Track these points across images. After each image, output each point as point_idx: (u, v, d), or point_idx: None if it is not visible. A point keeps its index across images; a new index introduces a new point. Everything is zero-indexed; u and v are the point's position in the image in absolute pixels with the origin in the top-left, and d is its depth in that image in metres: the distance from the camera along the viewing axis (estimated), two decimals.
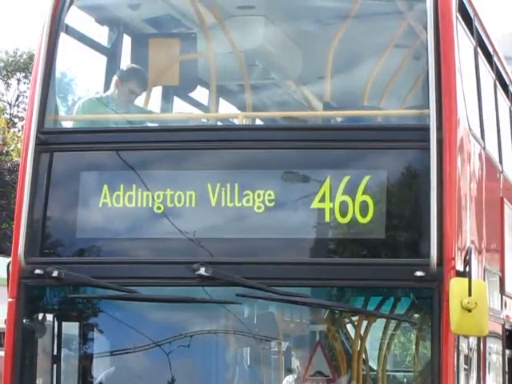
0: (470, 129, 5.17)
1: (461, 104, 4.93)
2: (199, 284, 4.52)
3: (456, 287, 4.39)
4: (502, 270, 6.29)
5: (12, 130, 27.66)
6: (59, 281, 4.62)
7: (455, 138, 4.85)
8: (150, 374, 4.96)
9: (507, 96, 7.66)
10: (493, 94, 6.64)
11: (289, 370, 5.22)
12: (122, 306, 4.80)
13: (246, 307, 4.95)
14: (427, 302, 4.69)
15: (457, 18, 5.05)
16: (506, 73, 7.68)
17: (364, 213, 4.64)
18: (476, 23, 5.70)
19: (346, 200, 4.63)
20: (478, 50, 5.84)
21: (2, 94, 29.81)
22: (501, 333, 6.22)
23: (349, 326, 5.04)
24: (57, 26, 4.97)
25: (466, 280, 4.39)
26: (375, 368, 5.06)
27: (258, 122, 5.91)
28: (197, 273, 4.44)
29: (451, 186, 4.71)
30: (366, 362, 5.01)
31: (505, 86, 7.48)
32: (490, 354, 5.68)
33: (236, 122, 5.73)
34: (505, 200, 6.70)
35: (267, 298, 4.69)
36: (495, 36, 7.35)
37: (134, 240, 4.82)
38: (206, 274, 4.45)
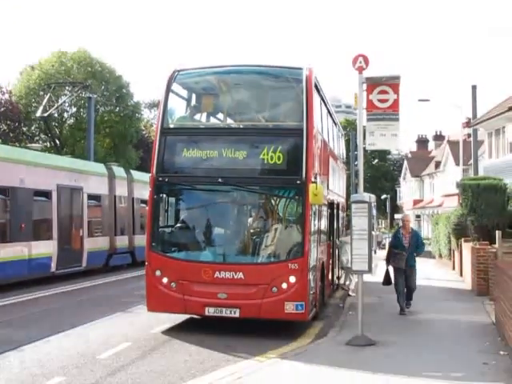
0: (317, 129, 12.92)
1: (315, 119, 12.38)
2: (224, 183, 11.79)
3: (311, 186, 11.09)
4: (327, 181, 14.42)
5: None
6: (166, 182, 12.04)
7: (312, 132, 11.69)
8: (215, 216, 12.16)
9: (330, 117, 15.99)
10: (326, 116, 14.87)
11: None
12: (196, 192, 12.26)
13: (237, 192, 12.04)
14: (302, 191, 11.23)
15: (315, 86, 12.73)
16: (330, 109, 16.03)
17: (279, 159, 11.75)
18: (320, 90, 13.48)
19: (272, 154, 11.87)
20: (321, 101, 13.85)
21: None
22: (327, 203, 14.31)
23: (272, 201, 12.61)
24: (168, 88, 12.33)
25: (315, 184, 11.29)
26: (281, 218, 12.61)
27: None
28: (219, 180, 11.97)
29: (310, 150, 11.48)
30: (280, 218, 12.08)
31: (330, 114, 15.85)
32: (322, 211, 13.70)
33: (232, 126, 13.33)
34: (329, 157, 14.88)
35: (239, 189, 12.12)
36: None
37: (204, 169, 11.84)
38: (223, 182, 11.94)
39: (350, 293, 17.54)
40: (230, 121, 13.66)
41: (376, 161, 75.32)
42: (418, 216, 66.48)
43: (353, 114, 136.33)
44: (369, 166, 68.01)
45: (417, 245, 14.27)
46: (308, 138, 11.64)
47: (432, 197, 62.51)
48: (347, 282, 18.20)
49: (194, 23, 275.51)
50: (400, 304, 14.03)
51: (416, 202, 66.74)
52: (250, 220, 12.35)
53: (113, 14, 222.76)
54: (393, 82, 11.25)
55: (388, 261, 14.38)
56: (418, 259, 16.20)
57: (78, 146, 42.05)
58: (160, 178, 11.92)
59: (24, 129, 42.88)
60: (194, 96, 13.68)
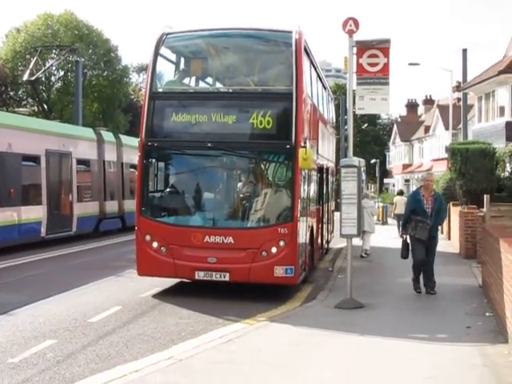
0: (307, 93, 12.83)
1: (305, 83, 12.32)
2: (214, 148, 11.66)
3: (301, 151, 11.10)
4: (317, 146, 14.43)
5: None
6: (156, 147, 11.98)
7: (301, 96, 11.46)
8: (205, 178, 12.20)
9: (320, 81, 15.86)
10: (315, 81, 14.76)
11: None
12: (185, 157, 12.20)
13: (227, 157, 12.04)
14: (291, 156, 11.19)
15: (305, 49, 12.65)
16: (320, 73, 15.89)
17: (268, 124, 11.54)
18: (310, 53, 13.40)
19: (261, 119, 11.75)
20: (311, 65, 13.74)
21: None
22: (316, 168, 14.30)
23: (262, 166, 12.58)
24: (157, 51, 12.13)
25: (305, 149, 11.22)
26: (270, 183, 12.54)
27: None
28: (209, 145, 11.90)
29: (299, 115, 11.30)
30: (270, 182, 12.15)
31: (320, 78, 15.71)
32: (312, 176, 13.72)
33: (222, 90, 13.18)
34: (319, 121, 14.93)
35: (228, 154, 12.00)
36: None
37: (194, 134, 11.74)
38: (213, 146, 11.89)
39: (363, 254, 18.10)
40: (219, 85, 13.55)
41: (366, 125, 75.20)
42: (407, 180, 66.76)
43: (343, 78, 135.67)
44: (358, 131, 67.92)
45: (439, 210, 11.93)
46: (297, 102, 11.57)
47: (421, 161, 62.69)
48: (364, 247, 18.43)
49: None
50: (414, 283, 12.02)
51: (405, 167, 66.95)
52: (239, 185, 12.35)
53: None
54: (383, 46, 11.19)
55: (405, 228, 12.07)
56: None
57: (66, 111, 41.71)
58: (149, 143, 11.87)
59: (11, 93, 42.47)
60: (182, 60, 13.57)
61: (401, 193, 31.86)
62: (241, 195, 12.13)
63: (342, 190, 10.81)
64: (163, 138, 12.07)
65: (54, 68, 42.44)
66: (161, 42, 12.24)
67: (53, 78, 44.78)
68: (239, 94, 12.39)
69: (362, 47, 11.14)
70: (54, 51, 39.45)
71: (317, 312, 10.32)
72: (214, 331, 9.06)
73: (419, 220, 11.60)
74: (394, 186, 68.06)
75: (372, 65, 11.15)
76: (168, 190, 12.32)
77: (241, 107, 11.99)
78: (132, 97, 50.71)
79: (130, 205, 27.18)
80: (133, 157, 27.94)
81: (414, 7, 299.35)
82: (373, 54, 11.16)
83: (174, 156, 12.36)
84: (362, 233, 18.20)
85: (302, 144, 11.48)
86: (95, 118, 42.74)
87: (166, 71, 13.03)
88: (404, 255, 12.14)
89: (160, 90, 12.37)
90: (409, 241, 11.97)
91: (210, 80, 13.75)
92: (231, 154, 12.05)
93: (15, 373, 7.10)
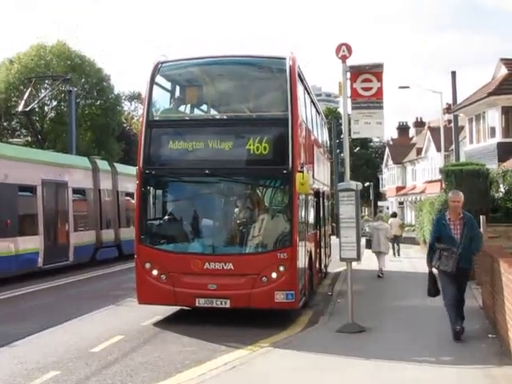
0: (302, 118, 12.96)
1: (300, 109, 12.39)
2: (212, 175, 11.73)
3: (298, 176, 10.99)
4: (313, 171, 14.54)
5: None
6: (153, 175, 12.03)
7: (297, 121, 11.57)
8: (203, 205, 12.29)
9: (314, 106, 16.01)
10: (309, 106, 14.91)
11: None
12: (183, 184, 12.27)
13: (224, 183, 12.10)
14: (289, 181, 11.24)
15: (299, 75, 12.81)
16: (313, 97, 16.04)
17: (265, 150, 11.63)
18: (303, 79, 13.55)
19: (258, 145, 11.80)
20: (305, 90, 13.89)
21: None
22: (313, 192, 14.38)
23: (260, 191, 12.67)
24: (152, 80, 12.26)
25: (302, 173, 11.06)
26: (268, 208, 12.69)
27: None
28: (206, 172, 11.96)
29: (296, 140, 11.38)
30: (268, 208, 12.24)
31: (313, 103, 15.86)
32: (309, 200, 13.80)
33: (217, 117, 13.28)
34: (314, 145, 14.96)
35: (226, 180, 12.11)
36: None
37: (191, 161, 11.82)
38: (210, 173, 11.94)
39: (380, 274, 18.95)
40: (214, 112, 13.68)
41: (358, 148, 75.66)
42: (400, 203, 66.95)
43: (333, 102, 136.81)
44: (351, 154, 67.86)
45: (471, 236, 9.70)
46: (293, 127, 11.67)
47: (414, 183, 62.94)
48: (380, 266, 19.29)
49: (174, 9, 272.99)
50: (452, 324, 9.66)
51: (399, 189, 67.17)
52: (237, 211, 12.41)
53: (88, 5, 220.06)
54: (376, 70, 11.36)
55: (430, 260, 9.92)
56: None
57: (59, 140, 41.79)
58: (147, 171, 11.93)
59: (5, 123, 42.56)
60: (177, 87, 13.69)
61: (394, 215, 32.10)
62: (239, 221, 12.17)
63: (341, 214, 10.88)
64: (161, 165, 12.15)
65: (47, 98, 42.60)
66: (156, 71, 12.36)
67: (46, 108, 44.90)
68: (235, 121, 12.51)
69: (356, 72, 11.30)
70: (46, 81, 39.64)
71: (319, 337, 10.32)
72: (218, 358, 9.06)
73: (443, 248, 9.59)
74: (387, 208, 68.23)
75: (366, 89, 11.30)
76: (167, 217, 12.35)
77: (237, 133, 12.07)
78: (125, 125, 50.88)
79: (126, 233, 27.24)
80: (128, 185, 28.11)
81: (402, 28, 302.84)
82: (366, 78, 11.32)
83: (172, 183, 12.44)
84: (377, 253, 19.28)
85: (299, 169, 11.53)
86: (89, 146, 42.82)
87: (162, 99, 13.13)
88: (431, 292, 10.06)
89: (156, 118, 12.45)
90: (436, 274, 9.90)
91: (205, 107, 13.88)
92: (229, 180, 12.15)
93: None
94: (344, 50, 11.14)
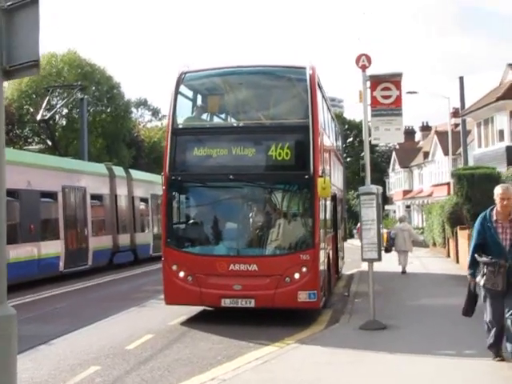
0: (321, 125, 13.41)
1: (319, 116, 12.94)
2: (236, 180, 12.26)
3: (319, 180, 11.52)
4: (330, 176, 15.11)
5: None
6: (179, 180, 12.50)
7: (317, 127, 12.12)
8: (226, 211, 12.76)
9: (329, 112, 16.48)
10: (326, 112, 15.39)
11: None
12: (208, 189, 12.74)
13: (248, 188, 12.59)
14: (310, 185, 11.68)
15: (318, 85, 13.29)
16: (329, 104, 16.50)
17: (287, 156, 12.16)
18: (321, 87, 14.01)
19: (280, 151, 12.34)
20: (322, 97, 14.36)
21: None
22: (331, 196, 14.75)
23: (282, 196, 13.13)
24: (177, 89, 12.77)
25: (323, 178, 11.66)
26: (291, 212, 13.13)
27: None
28: (231, 177, 12.42)
29: (316, 146, 11.95)
30: (290, 211, 12.74)
31: (329, 110, 16.33)
32: (327, 204, 14.17)
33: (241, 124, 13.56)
34: (330, 151, 15.57)
35: (249, 185, 12.61)
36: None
37: (215, 167, 12.31)
38: (234, 178, 12.41)
39: (403, 271, 20.98)
40: (237, 119, 14.07)
41: (363, 153, 75.91)
42: (407, 206, 67.28)
43: (338, 107, 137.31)
44: (357, 159, 68.67)
45: None
46: (314, 133, 12.14)
47: (421, 187, 63.30)
48: (405, 267, 21.19)
49: (188, 19, 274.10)
50: (492, 347, 8.10)
51: (405, 193, 67.52)
52: (260, 214, 12.79)
53: (96, 12, 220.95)
54: (395, 79, 11.83)
55: (473, 273, 8.04)
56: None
57: (70, 147, 42.32)
58: (173, 177, 12.40)
59: (17, 131, 43.13)
60: (200, 96, 14.17)
61: (403, 219, 32.57)
62: (263, 224, 12.59)
63: (362, 217, 11.32)
64: (186, 171, 12.63)
65: (58, 106, 43.16)
66: (180, 80, 12.84)
67: (57, 116, 45.47)
68: (258, 128, 12.94)
69: (376, 81, 11.77)
70: (58, 90, 40.21)
71: (343, 334, 10.76)
72: (248, 354, 9.49)
73: (488, 263, 7.73)
74: (394, 212, 68.56)
75: (385, 97, 11.76)
76: (192, 221, 12.82)
77: (260, 140, 12.57)
78: (133, 132, 51.43)
79: (141, 238, 27.82)
80: (142, 190, 28.72)
81: (408, 32, 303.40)
82: (386, 87, 11.78)
83: (197, 188, 12.91)
84: (401, 252, 21.10)
85: (320, 174, 12.00)
86: (100, 153, 43.34)
87: (186, 107, 13.61)
88: (468, 312, 8.33)
89: (181, 126, 12.90)
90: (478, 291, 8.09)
91: (229, 115, 14.34)
92: (252, 185, 12.65)
93: None
94: (364, 60, 11.63)
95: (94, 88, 44.61)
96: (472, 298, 8.16)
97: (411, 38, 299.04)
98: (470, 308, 8.22)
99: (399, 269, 21.36)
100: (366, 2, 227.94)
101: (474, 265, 7.97)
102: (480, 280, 7.84)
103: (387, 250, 21.45)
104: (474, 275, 7.96)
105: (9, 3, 5.18)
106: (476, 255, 7.89)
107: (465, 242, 19.85)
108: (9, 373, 5.13)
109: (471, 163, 31.90)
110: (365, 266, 12.83)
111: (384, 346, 9.46)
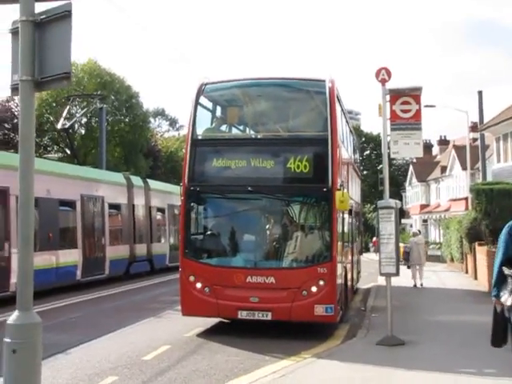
0: (340, 138, 13.45)
1: (338, 129, 13.05)
2: (254, 192, 12.24)
3: (337, 194, 11.63)
4: (348, 189, 15.08)
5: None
6: (198, 191, 12.55)
7: (336, 140, 12.34)
8: (244, 222, 12.78)
9: (347, 125, 16.46)
10: (345, 125, 15.40)
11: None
12: (226, 200, 12.76)
13: (266, 200, 12.58)
14: (328, 198, 11.75)
15: (337, 98, 13.32)
16: (347, 117, 16.50)
17: (305, 168, 12.33)
18: (341, 101, 14.05)
19: (298, 163, 12.43)
20: (342, 110, 14.38)
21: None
22: (348, 209, 14.91)
23: (300, 208, 13.17)
24: (197, 101, 12.86)
25: (341, 191, 11.78)
26: (308, 225, 13.14)
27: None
28: (249, 189, 12.46)
29: (335, 159, 12.11)
30: (308, 224, 12.80)
31: (347, 122, 16.33)
32: (344, 217, 14.21)
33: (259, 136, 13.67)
34: (348, 164, 15.45)
35: (268, 197, 12.62)
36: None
37: (234, 178, 12.33)
38: (253, 190, 12.45)
39: (418, 285, 21.46)
40: (256, 131, 14.11)
41: (380, 166, 75.75)
42: (424, 221, 66.92)
43: (355, 119, 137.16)
44: (374, 172, 68.52)
45: None
46: (333, 146, 12.17)
47: (438, 201, 62.95)
48: (421, 280, 21.65)
49: (207, 30, 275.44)
50: None
51: (423, 207, 67.18)
52: (278, 226, 12.83)
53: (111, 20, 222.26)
54: (415, 94, 11.81)
55: (497, 292, 6.78)
56: (427, 263, 17.65)
57: (88, 156, 42.62)
58: (192, 187, 12.44)
59: (37, 140, 43.49)
60: (221, 107, 14.24)
61: (417, 233, 32.51)
62: (280, 237, 12.60)
63: (380, 231, 11.28)
64: (205, 182, 12.65)
65: (77, 115, 43.52)
66: (200, 92, 12.92)
67: (76, 125, 45.83)
68: (277, 140, 12.98)
69: (395, 95, 11.75)
70: (77, 99, 40.54)
71: (360, 349, 10.69)
72: (265, 367, 9.47)
73: None
74: (411, 226, 68.16)
75: (405, 111, 11.74)
76: (210, 232, 12.85)
77: (278, 152, 12.57)
78: (151, 141, 51.68)
79: (158, 248, 27.88)
80: (160, 200, 28.80)
81: (427, 46, 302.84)
82: (405, 101, 11.78)
83: (216, 199, 12.90)
84: (416, 266, 21.42)
85: (338, 187, 12.00)
86: (118, 162, 43.58)
87: (206, 118, 13.68)
88: (496, 341, 6.96)
89: (200, 137, 12.98)
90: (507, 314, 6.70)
91: (248, 127, 14.39)
92: (270, 197, 12.61)
93: None
94: (383, 74, 11.64)
95: (113, 97, 44.92)
96: (500, 324, 6.78)
97: (426, 55, 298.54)
98: (498, 336, 6.87)
99: (412, 283, 21.55)
100: (384, 18, 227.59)
101: (499, 283, 6.75)
102: (507, 299, 6.58)
103: (407, 265, 21.74)
104: (498, 296, 6.72)
105: (42, 16, 5.25)
106: (504, 268, 6.69)
107: (483, 257, 19.71)
108: (34, 380, 5.15)
109: (489, 178, 31.66)
110: (381, 281, 12.80)
111: (404, 363, 9.40)
